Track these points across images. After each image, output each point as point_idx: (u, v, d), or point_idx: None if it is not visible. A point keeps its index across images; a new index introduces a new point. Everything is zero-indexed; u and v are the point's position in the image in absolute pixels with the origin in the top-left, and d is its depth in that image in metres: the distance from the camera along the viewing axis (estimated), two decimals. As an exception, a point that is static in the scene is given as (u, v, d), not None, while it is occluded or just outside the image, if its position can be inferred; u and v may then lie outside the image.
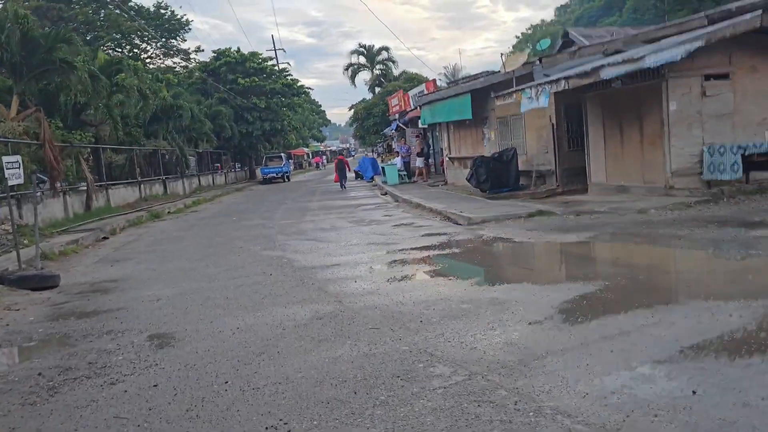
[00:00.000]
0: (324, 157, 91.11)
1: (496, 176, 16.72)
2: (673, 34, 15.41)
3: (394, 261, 8.87)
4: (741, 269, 6.88)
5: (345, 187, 28.65)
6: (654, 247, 8.26)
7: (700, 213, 10.44)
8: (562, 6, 66.54)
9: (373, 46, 55.61)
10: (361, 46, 56.02)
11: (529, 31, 63.52)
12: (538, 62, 15.13)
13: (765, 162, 11.62)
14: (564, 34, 27.50)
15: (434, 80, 24.05)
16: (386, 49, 55.53)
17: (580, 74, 11.81)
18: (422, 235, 11.16)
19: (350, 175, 31.65)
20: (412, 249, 9.72)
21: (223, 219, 18.41)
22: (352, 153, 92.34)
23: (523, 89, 13.59)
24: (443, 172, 28.63)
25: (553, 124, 16.09)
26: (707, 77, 12.00)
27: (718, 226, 9.18)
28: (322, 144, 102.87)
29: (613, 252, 8.47)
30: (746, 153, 11.51)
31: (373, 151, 59.62)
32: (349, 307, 6.27)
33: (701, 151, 12.04)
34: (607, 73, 11.23)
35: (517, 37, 65.64)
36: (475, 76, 21.63)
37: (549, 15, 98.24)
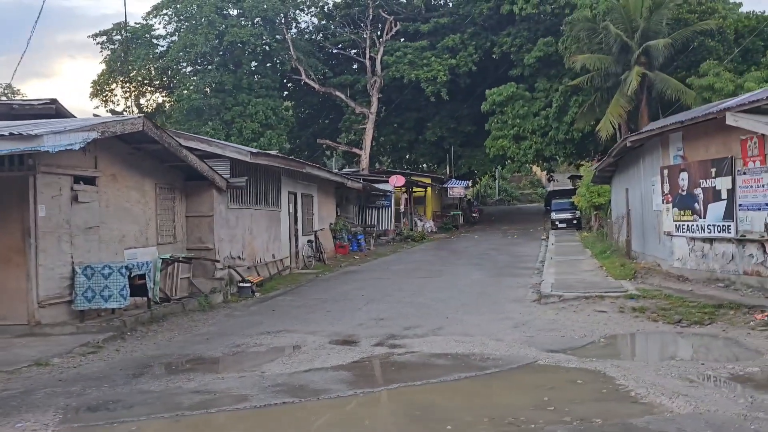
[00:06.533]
0: None
1: None
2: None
3: None
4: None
5: None
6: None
7: (127, 356, 7.71)
8: None
9: None
10: None
11: None
12: None
13: (143, 285, 9.98)
14: None
15: None
16: None
17: None
18: None
19: None
20: None
21: None
22: None
23: None
24: None
25: None
26: (77, 180, 9.48)
27: (188, 374, 7.01)
28: None
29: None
30: (132, 275, 9.59)
31: None
32: None
33: (72, 273, 9.21)
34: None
35: None
36: None
37: None
